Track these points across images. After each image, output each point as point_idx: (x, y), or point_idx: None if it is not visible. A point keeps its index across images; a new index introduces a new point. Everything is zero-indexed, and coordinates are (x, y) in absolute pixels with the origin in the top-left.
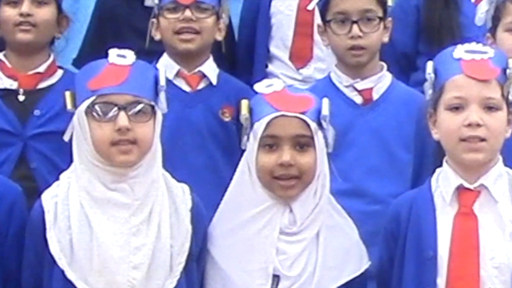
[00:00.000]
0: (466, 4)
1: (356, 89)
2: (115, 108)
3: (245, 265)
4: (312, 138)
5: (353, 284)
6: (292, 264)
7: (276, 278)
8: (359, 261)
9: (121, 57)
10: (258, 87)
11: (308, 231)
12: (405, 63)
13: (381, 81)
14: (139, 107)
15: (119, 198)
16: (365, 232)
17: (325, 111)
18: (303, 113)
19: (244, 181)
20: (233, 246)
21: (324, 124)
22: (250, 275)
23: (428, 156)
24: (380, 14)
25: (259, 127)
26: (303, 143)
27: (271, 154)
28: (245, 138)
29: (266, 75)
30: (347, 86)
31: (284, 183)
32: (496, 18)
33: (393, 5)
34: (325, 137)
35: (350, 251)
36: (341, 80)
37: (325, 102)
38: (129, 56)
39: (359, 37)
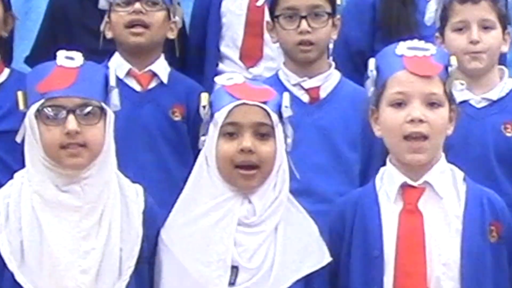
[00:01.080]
0: (423, 2)
1: (303, 88)
2: (64, 111)
3: (202, 256)
4: (272, 128)
5: (313, 279)
6: (251, 256)
7: (235, 269)
8: (319, 256)
9: (69, 59)
10: (219, 79)
11: (267, 224)
12: (360, 60)
13: (328, 79)
14: (88, 109)
15: (70, 201)
16: None
17: (286, 103)
18: (264, 103)
19: (203, 174)
20: (191, 237)
21: (284, 114)
22: (208, 267)
23: (375, 155)
24: (329, 10)
25: (220, 115)
26: (264, 132)
27: (232, 141)
28: (202, 137)
29: (217, 74)
30: (294, 85)
31: (245, 172)
32: (444, 18)
33: (345, 3)
34: (285, 132)
35: (310, 246)
36: (289, 78)
37: (286, 95)
38: (77, 58)
39: (308, 32)
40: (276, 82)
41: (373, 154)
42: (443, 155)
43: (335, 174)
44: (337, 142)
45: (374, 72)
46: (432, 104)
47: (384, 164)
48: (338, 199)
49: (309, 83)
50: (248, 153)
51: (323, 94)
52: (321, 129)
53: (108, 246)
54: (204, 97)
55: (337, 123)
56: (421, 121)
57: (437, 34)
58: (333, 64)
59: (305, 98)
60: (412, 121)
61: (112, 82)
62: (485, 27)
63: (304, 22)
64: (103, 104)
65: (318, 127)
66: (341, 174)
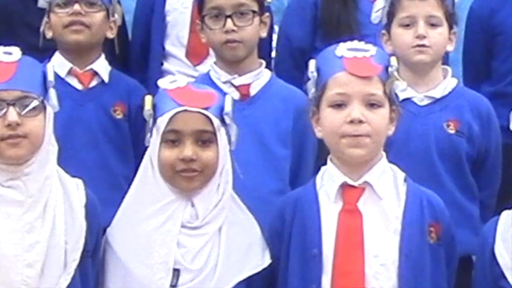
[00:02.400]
0: (364, 2)
1: (233, 85)
2: (4, 104)
3: (146, 259)
4: (214, 134)
5: (255, 281)
6: (194, 258)
7: (176, 272)
8: (261, 257)
9: (7, 54)
10: (161, 83)
11: (210, 226)
12: (301, 58)
13: (259, 77)
14: (28, 102)
15: (13, 195)
16: None
17: (228, 107)
18: (206, 108)
19: (147, 176)
20: (135, 240)
21: (227, 119)
22: (151, 269)
23: (306, 154)
24: (255, 8)
25: (162, 122)
26: (206, 139)
27: (173, 149)
28: (148, 135)
29: (161, 73)
30: (224, 82)
31: (186, 175)
32: (390, 14)
33: (288, 1)
34: (228, 134)
35: (252, 247)
36: (219, 76)
37: (228, 98)
38: (15, 52)
39: (233, 31)
40: (207, 80)
41: (304, 153)
42: (384, 155)
43: (265, 170)
44: (267, 139)
45: (315, 74)
46: (372, 104)
47: (319, 163)
48: (269, 195)
49: (239, 81)
50: (189, 162)
51: (253, 91)
52: (251, 125)
53: (52, 239)
54: (148, 100)
55: (268, 120)
56: (360, 121)
57: (383, 31)
58: (264, 63)
59: (235, 95)
60: (351, 121)
61: (50, 77)
62: (432, 23)
63: (229, 21)
64: (43, 99)
65: (249, 124)
66: (271, 171)
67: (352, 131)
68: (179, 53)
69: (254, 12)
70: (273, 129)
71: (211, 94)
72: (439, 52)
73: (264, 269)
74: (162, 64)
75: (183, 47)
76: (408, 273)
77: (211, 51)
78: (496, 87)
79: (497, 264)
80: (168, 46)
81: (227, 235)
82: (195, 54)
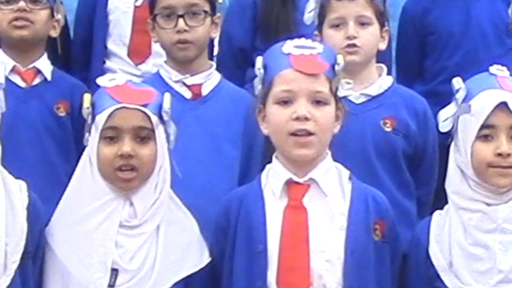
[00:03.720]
0: (302, 2)
1: (185, 84)
2: None
3: (84, 258)
4: (153, 131)
5: (193, 280)
6: (131, 258)
7: (115, 271)
8: (199, 256)
9: None
10: (100, 81)
11: (148, 225)
12: (241, 58)
13: (210, 78)
14: None
15: None
16: None
17: (167, 104)
18: (144, 106)
19: (86, 175)
20: (73, 239)
21: (165, 116)
22: (89, 269)
23: (255, 153)
24: (207, 8)
25: (101, 119)
26: (144, 136)
27: (112, 145)
28: (86, 134)
29: (104, 72)
30: (176, 81)
31: (124, 176)
32: (321, 15)
33: (229, 1)
34: (167, 132)
35: (191, 246)
36: (170, 75)
37: (167, 96)
38: None
39: (185, 31)
40: (157, 79)
41: (253, 153)
42: (329, 153)
43: (216, 169)
44: (219, 138)
45: (262, 71)
46: (318, 102)
47: (267, 162)
48: (220, 193)
49: (191, 80)
50: (127, 158)
51: (205, 91)
52: (203, 124)
53: None
54: (87, 98)
55: (219, 120)
56: (306, 118)
57: (315, 32)
58: (214, 65)
59: (187, 94)
60: (297, 118)
61: (1, 79)
62: (362, 23)
63: (181, 21)
64: None
65: (200, 123)
66: (222, 169)
67: (298, 128)
68: (121, 52)
69: (206, 12)
70: (225, 129)
71: (150, 91)
72: (371, 52)
73: (202, 268)
74: (104, 62)
75: (125, 46)
76: (353, 270)
77: (153, 50)
78: (428, 86)
79: (432, 265)
80: (110, 45)
81: (165, 234)
82: (137, 53)
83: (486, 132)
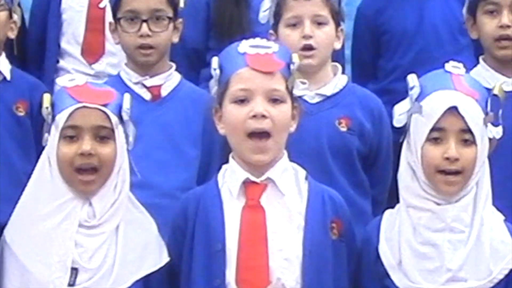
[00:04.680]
0: (256, 1)
1: (145, 86)
2: None
3: (43, 258)
4: (112, 130)
5: (152, 279)
6: (91, 257)
7: (74, 270)
8: (158, 256)
9: None
10: (60, 81)
11: (108, 225)
12: (195, 59)
13: (169, 79)
14: None
15: None
16: None
17: (126, 105)
18: (104, 105)
19: (44, 175)
20: (33, 239)
21: (124, 116)
22: (49, 268)
23: (215, 153)
24: (170, 14)
25: (61, 118)
26: (104, 135)
27: (71, 144)
28: (46, 134)
29: (57, 71)
30: (136, 83)
31: (84, 178)
32: (277, 14)
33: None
34: (126, 133)
35: (149, 245)
36: (130, 77)
37: (127, 97)
38: None
39: (148, 36)
40: (118, 81)
41: (213, 153)
42: (285, 153)
43: (176, 169)
44: (178, 139)
45: (217, 71)
46: (274, 100)
47: (224, 162)
48: (180, 193)
49: (150, 82)
50: (87, 156)
51: (164, 92)
52: (162, 125)
53: None
54: (46, 98)
55: (178, 120)
56: (263, 116)
57: (271, 31)
58: (174, 65)
59: (146, 96)
60: (254, 116)
61: None
62: (318, 22)
63: (144, 25)
64: None
65: (160, 124)
66: (182, 170)
67: (256, 127)
68: (74, 51)
69: (169, 18)
70: (184, 130)
71: (110, 91)
72: (327, 52)
73: (161, 267)
74: (57, 62)
75: (78, 45)
76: (312, 268)
77: (106, 50)
78: (381, 85)
79: (381, 263)
80: (64, 44)
81: (124, 234)
82: (90, 52)
83: (435, 135)
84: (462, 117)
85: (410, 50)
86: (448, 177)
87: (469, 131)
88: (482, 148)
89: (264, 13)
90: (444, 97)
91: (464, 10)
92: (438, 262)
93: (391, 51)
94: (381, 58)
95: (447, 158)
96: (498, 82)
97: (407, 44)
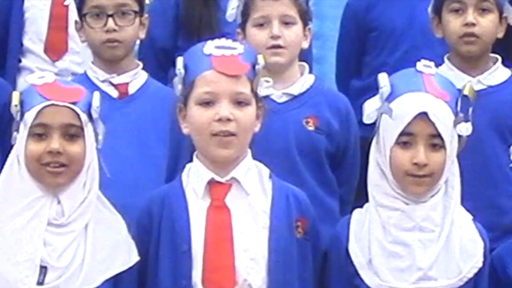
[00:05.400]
0: (225, 0)
1: (112, 84)
2: None
3: (12, 256)
4: (82, 129)
5: (122, 279)
6: (60, 256)
7: (43, 269)
8: (128, 255)
9: None
10: (30, 78)
11: (76, 224)
12: (164, 58)
13: (137, 77)
14: None
15: None
16: None
17: (96, 103)
18: (73, 103)
19: (13, 173)
20: (1, 238)
21: (94, 114)
22: (17, 267)
23: (182, 151)
24: (136, 8)
25: (30, 116)
26: (73, 133)
27: (40, 142)
28: (14, 133)
29: (19, 70)
30: (103, 81)
31: (53, 170)
32: (245, 13)
33: (153, 1)
34: (95, 131)
35: (119, 245)
36: (97, 75)
37: (96, 95)
38: None
39: (115, 30)
40: (85, 79)
41: (180, 150)
42: (249, 152)
43: (143, 167)
44: (146, 137)
45: (182, 71)
46: (239, 103)
47: (188, 161)
48: (145, 195)
49: (117, 79)
50: (56, 154)
51: (131, 90)
52: (130, 124)
53: None
54: (15, 96)
55: (146, 118)
56: (229, 119)
57: (238, 30)
58: (141, 64)
59: (114, 93)
60: (220, 120)
61: None
62: (286, 22)
63: (110, 20)
64: None
65: (127, 122)
66: (149, 168)
67: (221, 129)
68: (37, 49)
69: (135, 12)
70: (151, 128)
71: (79, 89)
72: (295, 51)
73: (131, 267)
74: (20, 61)
75: (41, 42)
76: (278, 267)
77: (69, 47)
78: (365, 82)
79: (351, 262)
80: (26, 42)
81: (94, 233)
82: (53, 50)
83: (405, 139)
84: (432, 123)
85: (398, 49)
86: (416, 178)
87: (438, 136)
88: (451, 150)
89: (232, 11)
90: (414, 100)
91: (429, 9)
92: (409, 261)
93: (379, 48)
94: (367, 55)
95: (416, 164)
96: (468, 83)
97: (395, 42)
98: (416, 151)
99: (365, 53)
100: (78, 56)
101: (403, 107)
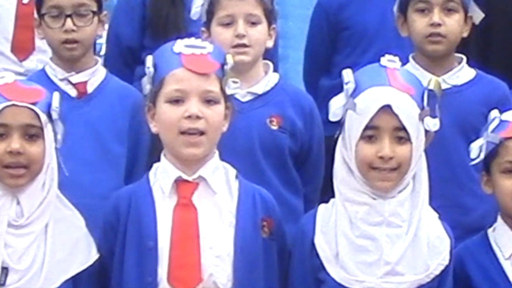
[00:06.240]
0: (192, 1)
1: (70, 82)
2: None
3: None
4: (41, 129)
5: (81, 277)
6: (20, 257)
7: (5, 270)
8: (87, 254)
9: None
10: None
11: (36, 224)
12: (130, 57)
13: (95, 75)
14: None
15: None
16: None
17: (55, 103)
18: (33, 104)
19: None
20: None
21: (54, 115)
22: None
23: (142, 150)
24: (94, 8)
25: None
26: (33, 133)
27: (0, 143)
28: None
29: None
30: (61, 80)
31: (13, 172)
32: (210, 12)
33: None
34: (54, 131)
35: (79, 243)
36: (56, 73)
37: (56, 95)
38: None
39: (73, 31)
40: (43, 77)
41: (140, 150)
42: (216, 152)
43: (102, 167)
44: (105, 136)
45: (152, 69)
46: (209, 101)
47: (155, 160)
48: (107, 192)
49: (76, 78)
50: (16, 155)
51: (90, 89)
52: (88, 123)
53: None
54: None
55: (105, 117)
56: (198, 117)
57: (203, 28)
58: (100, 60)
59: (72, 92)
60: (189, 117)
61: None
62: (251, 22)
63: (69, 20)
64: None
65: (86, 122)
66: (108, 168)
67: (190, 127)
68: (4, 49)
69: (93, 12)
70: (110, 127)
71: (39, 90)
72: (259, 50)
73: (90, 265)
74: None
75: (8, 42)
76: (243, 265)
77: (36, 46)
78: (335, 81)
79: (317, 255)
80: None
81: (53, 233)
82: (20, 49)
83: (370, 133)
84: (396, 115)
85: (370, 49)
86: (382, 173)
87: (403, 129)
88: (418, 144)
89: (196, 9)
90: (378, 94)
91: (395, 8)
92: (376, 255)
93: (350, 48)
94: (337, 54)
95: (381, 157)
96: (433, 77)
97: (367, 42)
98: (381, 144)
99: (335, 52)
100: (45, 55)
101: (366, 101)
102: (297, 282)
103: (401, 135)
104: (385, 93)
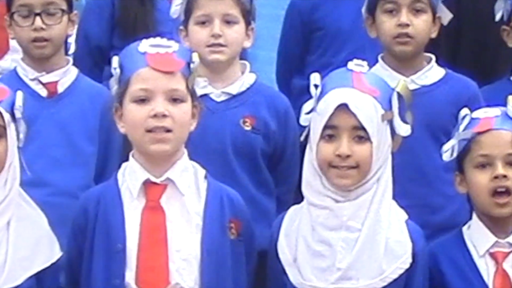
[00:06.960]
0: (161, 1)
1: (41, 82)
2: None
3: None
4: (4, 128)
5: (45, 275)
6: None
7: None
8: (50, 251)
9: None
10: None
11: None
12: (99, 56)
13: (66, 75)
14: None
15: None
16: (49, 223)
17: (19, 102)
18: None
19: None
20: None
21: (17, 114)
22: None
23: (112, 150)
24: (64, 7)
25: None
26: None
27: None
28: None
29: None
30: (32, 79)
31: None
32: (188, 11)
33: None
34: (17, 131)
35: (41, 241)
36: (27, 73)
37: (19, 94)
38: None
39: (42, 29)
40: (14, 76)
41: (110, 149)
42: (185, 152)
43: (72, 167)
44: (75, 136)
45: (118, 70)
46: (175, 100)
47: (124, 159)
48: (77, 191)
49: (46, 78)
50: None
51: (60, 89)
52: (58, 123)
53: None
54: None
55: (75, 117)
56: (164, 116)
57: (181, 27)
58: (71, 60)
59: (43, 92)
60: (155, 116)
61: None
62: (228, 21)
63: (38, 19)
64: None
65: (56, 121)
66: (79, 168)
67: (156, 125)
68: None
69: (63, 11)
70: (81, 126)
71: (2, 89)
72: (236, 50)
73: (54, 263)
74: None
75: None
76: (210, 268)
77: (11, 46)
78: (308, 81)
79: (279, 259)
80: None
81: (15, 231)
82: None
83: (329, 132)
84: (354, 114)
85: (343, 50)
86: (341, 170)
87: (362, 128)
88: (379, 145)
89: (176, 7)
90: (337, 95)
91: (363, 10)
92: (330, 261)
93: (323, 48)
94: (311, 54)
95: (339, 155)
96: (401, 80)
97: (341, 42)
98: (340, 143)
99: (308, 53)
100: (20, 53)
101: (326, 101)
102: (270, 284)
103: (361, 134)
104: (344, 93)
